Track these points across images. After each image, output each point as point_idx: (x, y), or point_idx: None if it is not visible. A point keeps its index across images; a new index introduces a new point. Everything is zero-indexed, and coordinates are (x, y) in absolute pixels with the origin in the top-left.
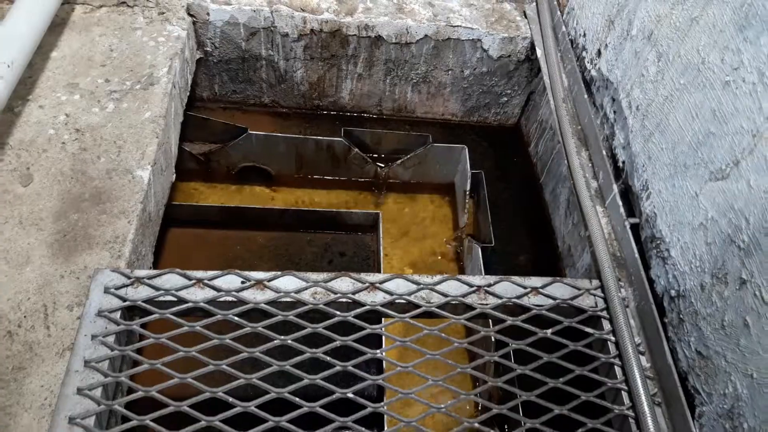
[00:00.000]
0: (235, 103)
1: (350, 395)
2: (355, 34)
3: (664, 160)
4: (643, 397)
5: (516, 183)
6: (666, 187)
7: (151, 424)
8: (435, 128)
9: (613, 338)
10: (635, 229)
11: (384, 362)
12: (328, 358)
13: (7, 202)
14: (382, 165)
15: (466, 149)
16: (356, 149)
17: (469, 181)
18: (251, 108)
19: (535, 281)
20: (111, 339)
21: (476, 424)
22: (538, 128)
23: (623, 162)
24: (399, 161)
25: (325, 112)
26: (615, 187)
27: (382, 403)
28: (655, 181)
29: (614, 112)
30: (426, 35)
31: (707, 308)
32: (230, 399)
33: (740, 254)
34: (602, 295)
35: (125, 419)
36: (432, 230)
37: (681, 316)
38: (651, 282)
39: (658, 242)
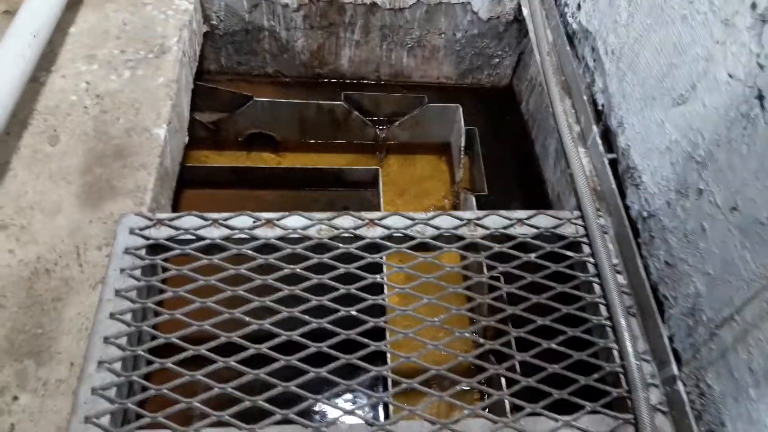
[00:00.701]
0: (241, 74)
1: (353, 312)
2: (351, 2)
3: (635, 96)
4: (619, 309)
5: (509, 140)
6: (638, 120)
7: (175, 340)
8: (431, 92)
9: (592, 260)
10: (613, 164)
11: (385, 286)
12: (333, 283)
13: (38, 159)
14: (381, 127)
15: (461, 108)
16: (356, 112)
17: (463, 138)
18: (256, 79)
19: (521, 213)
20: (138, 272)
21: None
22: (529, 86)
23: (602, 105)
24: (397, 123)
25: (326, 80)
26: (595, 129)
27: (383, 319)
28: (629, 116)
29: (594, 60)
30: (418, 0)
31: (673, 222)
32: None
33: (698, 168)
34: (582, 223)
35: (153, 337)
36: (430, 188)
37: (652, 233)
38: (627, 209)
39: (632, 171)
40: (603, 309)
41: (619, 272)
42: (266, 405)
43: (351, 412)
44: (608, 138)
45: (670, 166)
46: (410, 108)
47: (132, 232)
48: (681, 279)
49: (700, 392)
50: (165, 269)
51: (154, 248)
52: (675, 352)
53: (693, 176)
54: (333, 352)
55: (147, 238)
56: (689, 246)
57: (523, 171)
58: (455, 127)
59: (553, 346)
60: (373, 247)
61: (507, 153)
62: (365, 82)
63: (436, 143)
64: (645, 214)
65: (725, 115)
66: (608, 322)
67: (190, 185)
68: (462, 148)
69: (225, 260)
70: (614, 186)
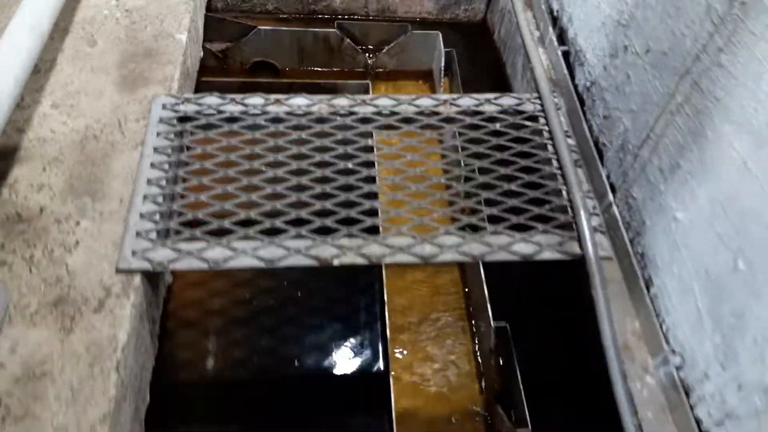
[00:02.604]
0: (245, 11)
1: (350, 165)
2: None
3: None
4: (568, 161)
5: (484, 65)
6: (582, 11)
7: (205, 181)
8: (414, 26)
9: (547, 128)
10: (566, 55)
11: (374, 148)
12: (334, 145)
13: (80, 57)
14: (370, 55)
15: (440, 35)
16: (348, 40)
17: (443, 59)
18: (258, 15)
19: (489, 95)
20: (171, 135)
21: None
22: (500, 17)
23: (556, 11)
24: (384, 50)
25: (320, 16)
26: (551, 31)
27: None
28: (575, 10)
29: None
30: None
31: (608, 81)
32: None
33: (623, 30)
34: (539, 101)
35: (185, 180)
36: None
37: (593, 98)
38: (576, 87)
39: (579, 54)
40: (555, 162)
41: (569, 136)
42: (283, 225)
43: (351, 235)
44: (562, 37)
45: (605, 37)
46: (396, 36)
47: (164, 107)
48: (614, 124)
49: (629, 207)
50: (193, 133)
51: (183, 120)
52: (611, 186)
53: (620, 38)
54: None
55: (177, 111)
56: (619, 95)
57: (497, 89)
58: (436, 54)
59: (513, 187)
60: (366, 120)
61: (482, 76)
62: (355, 17)
63: (419, 70)
64: (588, 84)
65: None
66: (559, 171)
67: None
68: (442, 70)
69: (242, 128)
70: (566, 72)
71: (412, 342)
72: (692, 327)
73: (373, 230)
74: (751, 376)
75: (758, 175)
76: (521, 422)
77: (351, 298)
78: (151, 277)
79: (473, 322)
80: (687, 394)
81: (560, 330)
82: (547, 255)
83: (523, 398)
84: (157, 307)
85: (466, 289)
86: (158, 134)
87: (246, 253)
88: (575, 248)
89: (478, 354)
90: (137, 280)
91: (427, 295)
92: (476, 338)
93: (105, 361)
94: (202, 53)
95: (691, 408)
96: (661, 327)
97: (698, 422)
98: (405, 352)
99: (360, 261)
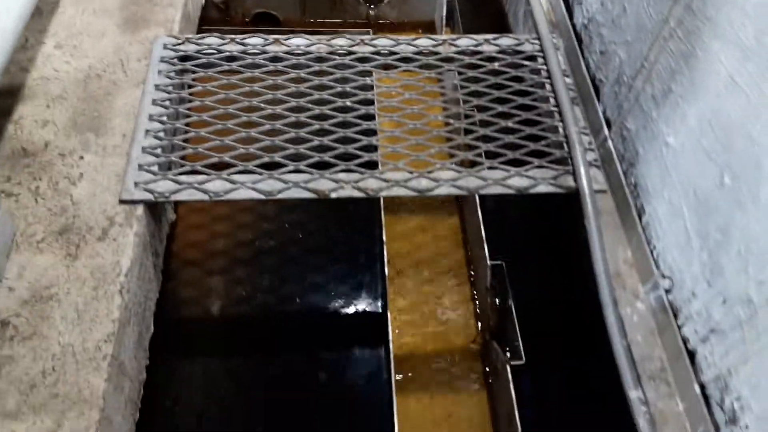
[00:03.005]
0: None
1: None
2: None
3: None
4: (565, 98)
5: (487, 17)
6: None
7: (206, 118)
8: None
9: (545, 67)
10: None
11: (373, 86)
12: (332, 84)
13: (82, 1)
14: (372, 6)
15: None
16: None
17: (444, 9)
18: None
19: (488, 36)
20: (172, 73)
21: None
22: None
23: None
24: (386, 1)
25: None
26: None
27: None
28: None
29: None
30: None
31: (604, 16)
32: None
33: None
34: (538, 42)
35: (185, 116)
36: None
37: (590, 35)
38: (574, 27)
39: None
40: (552, 100)
41: (567, 75)
42: (282, 160)
43: (348, 170)
44: None
45: None
46: None
47: (165, 47)
48: (610, 59)
49: (623, 139)
50: (194, 72)
51: (184, 59)
52: (607, 121)
53: None
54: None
55: (177, 51)
56: (615, 29)
57: None
58: (437, 3)
59: (510, 124)
60: (364, 60)
61: (484, 25)
62: None
63: (421, 21)
64: (585, 21)
65: None
66: (555, 109)
67: None
68: (443, 20)
69: (241, 67)
70: (564, 12)
71: (411, 284)
72: (681, 249)
73: (371, 165)
74: (736, 289)
75: (744, 89)
76: (516, 356)
77: (351, 240)
78: (153, 208)
79: (470, 264)
80: (675, 315)
81: (556, 267)
82: (542, 188)
83: (518, 333)
84: (160, 241)
85: (464, 233)
86: (159, 72)
87: (245, 186)
88: (570, 182)
89: (475, 294)
90: (140, 210)
91: (426, 241)
92: (473, 279)
93: (109, 285)
94: (203, 2)
95: (679, 328)
96: (652, 253)
97: (685, 341)
98: (403, 294)
99: (357, 194)
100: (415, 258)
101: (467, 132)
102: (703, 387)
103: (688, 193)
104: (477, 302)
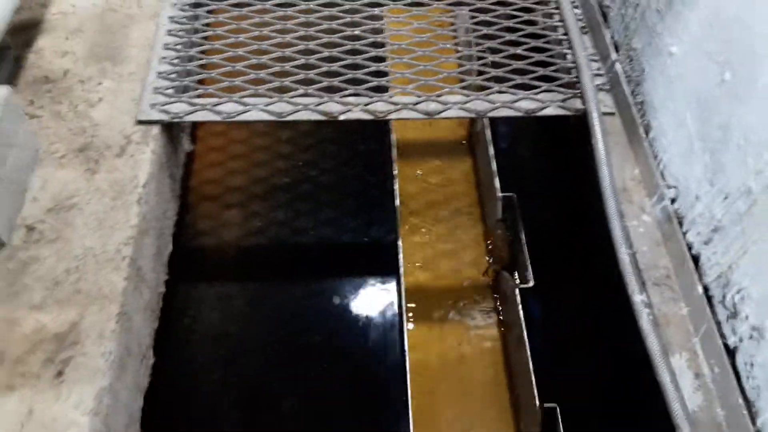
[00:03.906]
0: None
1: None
2: None
3: None
4: (573, 26)
5: None
6: None
7: (218, 45)
8: None
9: None
10: None
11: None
12: (342, 15)
13: None
14: None
15: None
16: None
17: None
18: None
19: None
20: (186, 6)
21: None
22: None
23: None
24: None
25: None
26: None
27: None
28: None
29: None
30: None
31: None
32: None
33: None
34: None
35: (200, 45)
36: None
37: None
38: None
39: None
40: (561, 29)
41: (576, 7)
42: (293, 85)
43: (357, 94)
44: None
45: None
46: None
47: None
48: None
49: (630, 59)
50: (206, 5)
51: None
52: (615, 45)
53: None
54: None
55: None
56: None
57: None
58: None
59: (519, 51)
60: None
61: None
62: None
63: None
64: None
65: None
66: (564, 36)
67: None
68: None
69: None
70: None
71: (423, 223)
72: (685, 156)
73: (381, 90)
74: (735, 182)
75: None
76: (525, 280)
77: (363, 179)
78: (169, 131)
79: (482, 203)
80: (680, 223)
81: (565, 198)
82: (550, 111)
83: (528, 261)
84: (176, 165)
85: (477, 175)
86: (173, 5)
87: (257, 108)
88: (578, 104)
89: (487, 226)
90: (155, 130)
91: (439, 183)
92: (484, 212)
93: (127, 196)
94: None
95: (684, 235)
96: (658, 167)
97: (689, 247)
98: (415, 232)
99: (366, 116)
100: (428, 199)
101: (476, 58)
102: (706, 289)
103: (690, 100)
104: (488, 236)
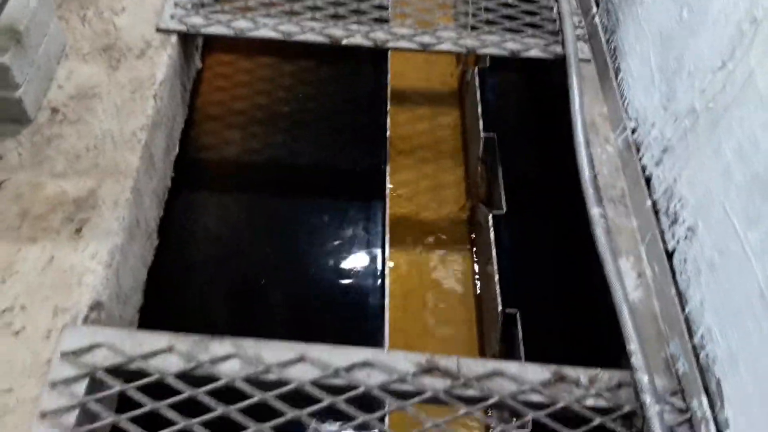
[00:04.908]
0: None
1: None
2: None
3: None
4: None
5: None
6: None
7: None
8: None
9: None
10: None
11: None
12: None
13: None
14: None
15: None
16: None
17: None
18: None
19: None
20: None
21: None
22: None
23: None
24: None
25: None
26: None
27: None
28: None
29: None
30: None
31: None
32: None
33: None
34: None
35: None
36: None
37: None
38: None
39: None
40: None
41: None
42: (301, 9)
43: (360, 23)
44: None
45: None
46: None
47: None
48: None
49: (607, 12)
50: None
51: None
52: (596, 0)
53: None
54: None
55: None
56: None
57: None
58: None
59: (509, 0)
60: None
61: None
62: None
63: None
64: None
65: None
66: None
67: None
68: None
69: None
70: None
71: (410, 162)
72: (646, 89)
73: (382, 22)
74: (684, 104)
75: None
76: (497, 208)
77: (358, 114)
78: (185, 41)
79: (467, 147)
80: (638, 150)
81: (542, 140)
82: (534, 53)
83: (502, 192)
84: (187, 78)
85: (463, 122)
86: None
87: (267, 26)
88: (558, 49)
89: (469, 167)
90: (173, 38)
91: (428, 129)
92: (466, 152)
93: (145, 91)
94: None
95: (640, 160)
96: (623, 105)
97: (644, 169)
98: (401, 170)
99: (366, 43)
100: (416, 142)
101: (471, 2)
102: (654, 204)
103: (655, 39)
104: (469, 178)
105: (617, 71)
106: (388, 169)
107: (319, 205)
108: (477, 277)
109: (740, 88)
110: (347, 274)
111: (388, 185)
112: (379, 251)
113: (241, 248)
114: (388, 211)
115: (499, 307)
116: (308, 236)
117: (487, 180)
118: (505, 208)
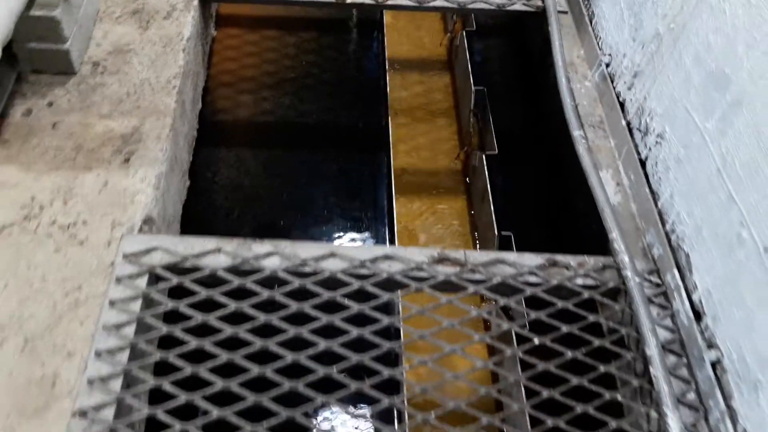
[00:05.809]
0: None
1: None
2: None
3: None
4: None
5: None
6: None
7: None
8: None
9: None
10: None
11: None
12: None
13: None
14: None
15: None
16: None
17: None
18: None
19: None
20: None
21: None
22: None
23: None
24: None
25: None
26: None
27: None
28: None
29: None
30: None
31: None
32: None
33: None
34: None
35: None
36: None
37: None
38: None
39: None
40: None
41: None
42: None
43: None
44: None
45: None
46: None
47: None
48: None
49: None
50: None
51: None
52: None
53: None
54: None
55: None
56: None
57: None
58: None
59: None
60: None
61: None
62: None
63: None
64: None
65: None
66: None
67: None
68: None
69: None
70: None
71: (407, 121)
72: (617, 26)
73: None
74: (650, 31)
75: None
76: (491, 150)
77: (359, 79)
78: (204, 8)
79: (458, 105)
80: (612, 80)
81: (528, 90)
82: (517, 6)
83: (493, 136)
84: (206, 41)
85: (454, 84)
86: None
87: None
88: (539, 2)
89: (460, 120)
90: (195, 2)
91: (422, 92)
92: (458, 105)
93: (174, 45)
94: None
95: (614, 88)
96: (598, 44)
97: (618, 96)
98: (399, 129)
99: (368, 0)
100: (412, 103)
101: None
102: (628, 123)
103: None
104: (461, 132)
105: (591, 17)
106: (390, 124)
107: (327, 157)
108: (472, 213)
109: (695, 5)
110: (357, 216)
111: (391, 135)
112: (385, 194)
113: (259, 195)
114: (392, 157)
115: (495, 231)
116: (319, 184)
117: (479, 129)
118: (496, 150)
